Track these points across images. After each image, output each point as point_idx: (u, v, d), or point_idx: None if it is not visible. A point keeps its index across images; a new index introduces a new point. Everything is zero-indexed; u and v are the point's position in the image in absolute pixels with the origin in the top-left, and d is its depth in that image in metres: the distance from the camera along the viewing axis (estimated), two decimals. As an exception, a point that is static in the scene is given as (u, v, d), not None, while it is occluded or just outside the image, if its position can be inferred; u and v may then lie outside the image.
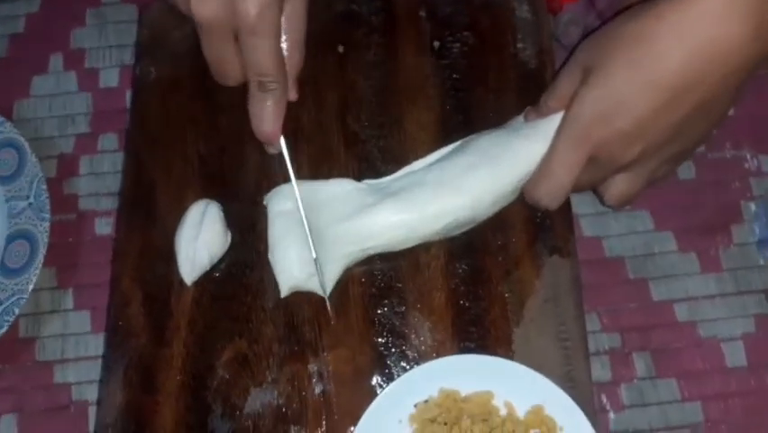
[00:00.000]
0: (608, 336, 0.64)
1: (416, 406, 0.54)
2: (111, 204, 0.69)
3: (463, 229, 0.58)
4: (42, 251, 0.65)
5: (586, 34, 0.63)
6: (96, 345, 0.65)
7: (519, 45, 0.64)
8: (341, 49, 0.65)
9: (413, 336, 0.57)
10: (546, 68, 0.63)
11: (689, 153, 0.53)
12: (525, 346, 0.57)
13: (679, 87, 0.47)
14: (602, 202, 0.56)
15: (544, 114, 0.55)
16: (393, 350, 0.57)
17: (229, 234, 0.59)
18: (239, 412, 0.56)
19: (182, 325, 0.58)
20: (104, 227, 0.69)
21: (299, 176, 0.58)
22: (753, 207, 0.67)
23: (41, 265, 0.64)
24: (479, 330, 0.57)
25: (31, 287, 0.64)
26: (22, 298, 0.64)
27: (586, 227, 0.66)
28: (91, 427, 0.63)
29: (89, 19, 0.76)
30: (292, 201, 0.58)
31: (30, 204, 0.67)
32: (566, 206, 0.57)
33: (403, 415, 0.54)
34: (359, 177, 0.60)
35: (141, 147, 0.63)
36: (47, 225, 0.66)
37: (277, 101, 0.55)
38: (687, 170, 0.68)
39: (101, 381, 0.59)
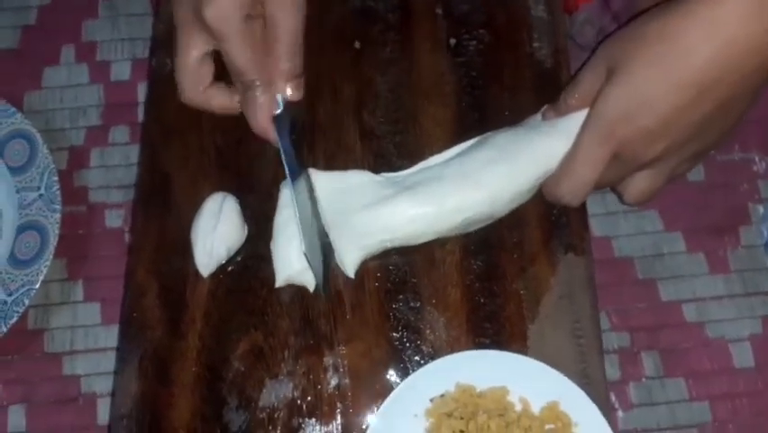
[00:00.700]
0: (617, 335, 0.65)
1: (431, 400, 0.54)
2: (121, 196, 0.69)
3: (480, 225, 0.58)
4: (53, 242, 0.64)
5: (601, 35, 0.64)
6: (106, 336, 0.65)
7: (535, 44, 0.64)
8: (357, 45, 0.65)
9: (428, 331, 0.57)
10: (562, 67, 0.64)
11: (708, 152, 0.54)
12: (540, 343, 0.57)
13: (703, 85, 0.47)
14: (621, 200, 0.57)
15: (563, 112, 0.55)
16: (408, 345, 0.57)
17: (246, 226, 0.59)
18: (254, 404, 0.56)
19: (198, 317, 0.58)
20: (114, 220, 0.69)
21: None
22: (761, 209, 0.68)
23: (51, 257, 0.64)
24: (494, 326, 0.57)
25: (41, 278, 0.64)
26: (32, 289, 0.63)
27: (596, 227, 0.67)
28: (99, 418, 0.63)
29: (102, 11, 0.76)
30: (304, 192, 0.58)
31: (40, 195, 0.67)
32: (582, 204, 0.58)
33: (419, 409, 0.54)
34: (374, 172, 0.60)
35: (156, 139, 0.63)
36: (58, 216, 0.65)
37: (259, 98, 0.57)
38: (696, 172, 0.69)
39: (115, 372, 0.59)
